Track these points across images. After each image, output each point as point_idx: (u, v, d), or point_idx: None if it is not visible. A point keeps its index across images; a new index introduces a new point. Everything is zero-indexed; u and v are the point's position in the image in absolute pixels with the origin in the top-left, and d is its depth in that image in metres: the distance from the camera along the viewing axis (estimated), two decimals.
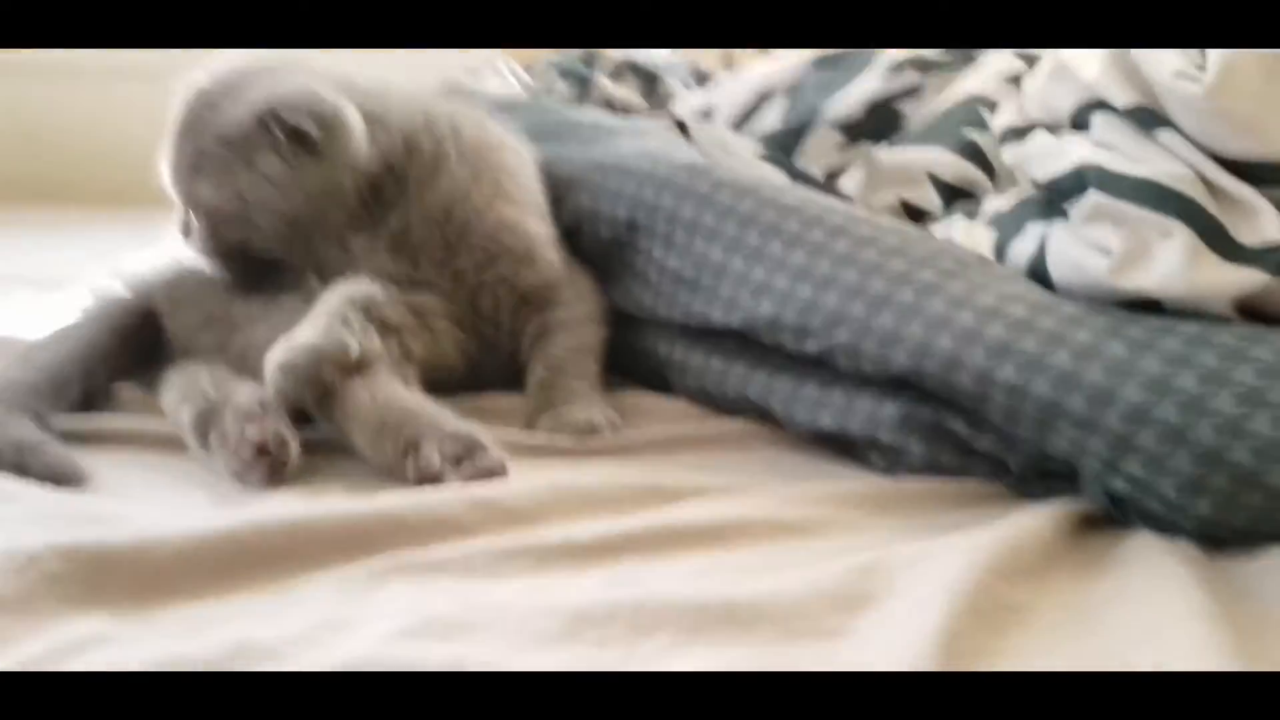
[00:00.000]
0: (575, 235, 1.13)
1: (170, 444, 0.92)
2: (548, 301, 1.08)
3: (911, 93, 1.29)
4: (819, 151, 1.30)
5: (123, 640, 0.61)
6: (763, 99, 1.44)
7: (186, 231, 1.05)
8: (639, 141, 1.14)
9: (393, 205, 1.05)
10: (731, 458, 0.97)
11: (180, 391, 0.94)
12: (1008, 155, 0.99)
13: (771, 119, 1.39)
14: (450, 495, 0.80)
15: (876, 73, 1.31)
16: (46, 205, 1.97)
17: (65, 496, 0.81)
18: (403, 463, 0.87)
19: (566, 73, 1.69)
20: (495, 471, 0.85)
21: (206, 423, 0.89)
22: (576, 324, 1.08)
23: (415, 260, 1.05)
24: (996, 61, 1.25)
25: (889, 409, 0.91)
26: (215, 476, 0.87)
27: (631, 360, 1.11)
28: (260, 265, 1.04)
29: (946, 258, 0.92)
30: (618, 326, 1.11)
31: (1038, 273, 0.92)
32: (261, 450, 0.85)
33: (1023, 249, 0.94)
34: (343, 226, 1.03)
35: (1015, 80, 1.20)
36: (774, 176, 1.08)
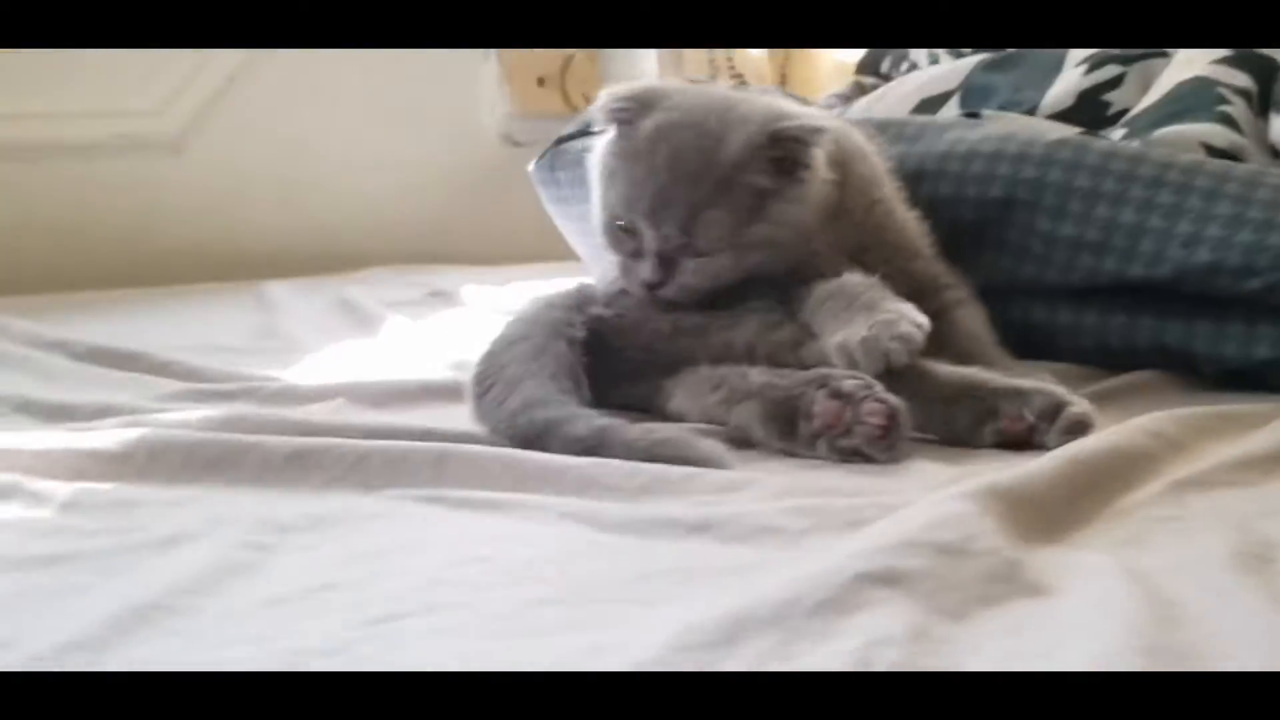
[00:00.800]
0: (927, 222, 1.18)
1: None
2: (936, 288, 1.12)
3: (1115, 83, 1.43)
4: None
5: (1092, 567, 0.62)
6: (931, 102, 1.55)
7: (664, 273, 0.99)
8: (978, 131, 1.21)
9: (830, 213, 1.06)
10: (1176, 401, 1.04)
11: (722, 393, 0.93)
12: None
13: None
14: (1124, 432, 0.84)
15: (1078, 68, 1.44)
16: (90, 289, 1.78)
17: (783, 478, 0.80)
18: (980, 428, 0.90)
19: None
20: (1086, 422, 0.89)
21: (791, 412, 0.88)
22: (969, 302, 1.12)
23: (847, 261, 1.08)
24: (1191, 50, 1.40)
25: None
26: (813, 461, 0.87)
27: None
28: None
29: None
30: None
31: None
32: (888, 424, 0.86)
33: None
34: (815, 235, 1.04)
35: (1225, 61, 1.36)
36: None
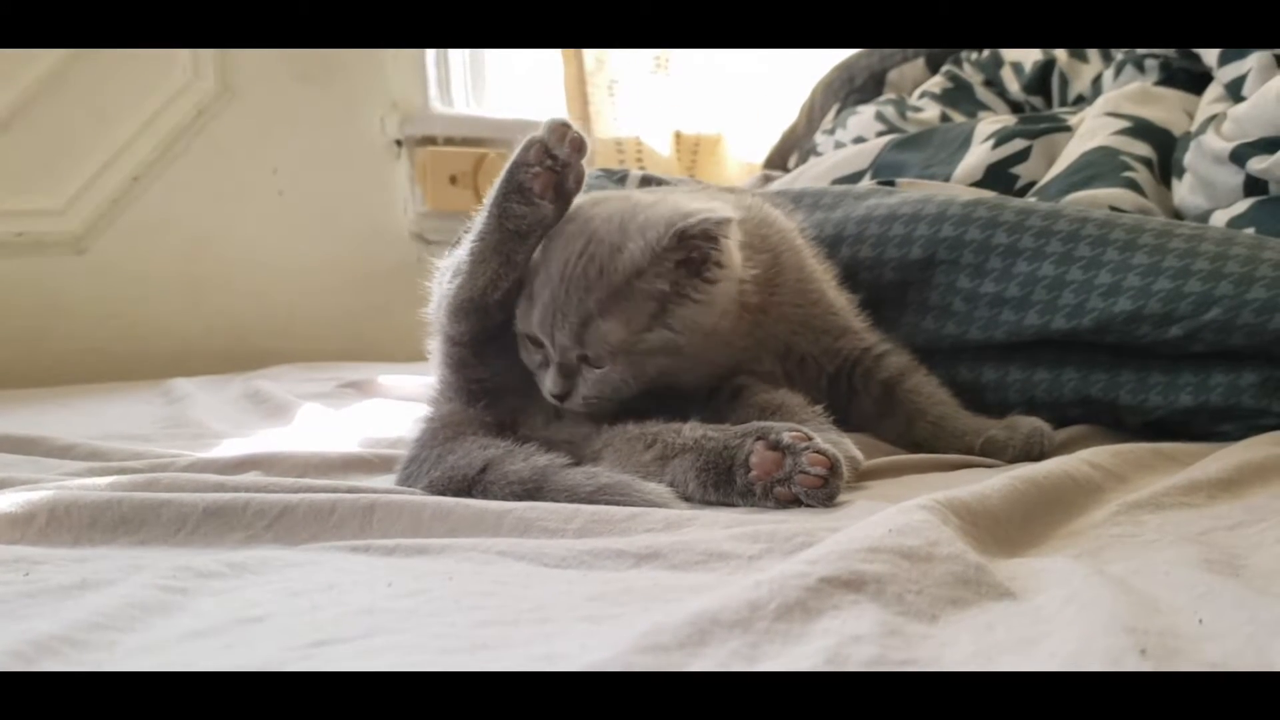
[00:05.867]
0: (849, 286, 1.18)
1: None
2: (874, 356, 1.11)
3: (1022, 156, 1.46)
4: None
5: (1059, 571, 0.60)
6: (843, 180, 1.57)
7: (565, 388, 0.96)
8: (896, 196, 1.22)
9: (756, 308, 1.05)
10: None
11: (656, 450, 0.89)
12: (1258, 164, 1.17)
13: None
14: (1070, 462, 0.84)
15: (985, 143, 1.48)
16: None
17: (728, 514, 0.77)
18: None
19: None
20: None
21: (729, 463, 0.86)
22: (913, 367, 1.12)
23: (775, 356, 1.08)
24: (1092, 124, 1.45)
25: (1248, 377, 1.02)
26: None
27: None
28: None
29: (1272, 241, 1.07)
30: None
31: None
32: (829, 473, 0.84)
33: None
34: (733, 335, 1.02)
35: (1125, 132, 1.41)
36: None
